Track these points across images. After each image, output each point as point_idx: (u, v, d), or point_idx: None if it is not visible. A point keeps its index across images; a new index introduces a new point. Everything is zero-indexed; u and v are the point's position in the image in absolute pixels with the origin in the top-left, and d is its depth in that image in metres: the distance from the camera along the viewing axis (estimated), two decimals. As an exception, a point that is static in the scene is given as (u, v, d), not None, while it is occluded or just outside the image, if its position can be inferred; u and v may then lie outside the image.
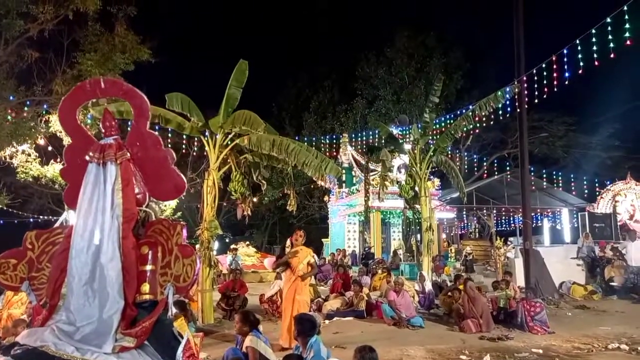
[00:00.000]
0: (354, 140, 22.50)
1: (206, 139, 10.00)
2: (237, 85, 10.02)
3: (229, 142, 9.93)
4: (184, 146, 16.13)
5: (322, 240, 23.73)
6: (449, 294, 9.47)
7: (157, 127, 16.51)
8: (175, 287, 2.75)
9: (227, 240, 28.00)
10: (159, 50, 14.15)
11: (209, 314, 9.09)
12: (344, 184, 21.32)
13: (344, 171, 19.08)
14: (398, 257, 16.85)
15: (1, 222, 15.48)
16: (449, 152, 19.45)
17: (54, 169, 14.22)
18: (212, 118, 10.07)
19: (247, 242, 20.56)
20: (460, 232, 25.70)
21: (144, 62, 13.87)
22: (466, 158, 28.20)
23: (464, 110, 13.99)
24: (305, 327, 4.34)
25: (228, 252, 18.67)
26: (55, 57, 13.42)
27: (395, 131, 17.47)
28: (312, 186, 27.12)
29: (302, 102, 31.50)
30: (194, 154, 20.19)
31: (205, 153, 10.53)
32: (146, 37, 13.75)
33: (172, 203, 23.78)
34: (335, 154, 22.28)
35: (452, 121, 16.01)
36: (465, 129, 12.87)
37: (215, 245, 13.15)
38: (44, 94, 12.87)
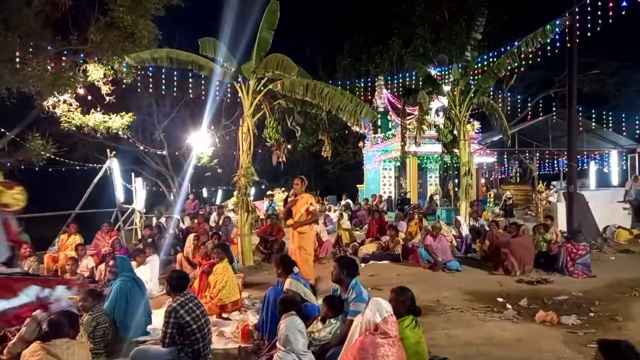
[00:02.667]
0: (389, 82, 21.80)
1: (239, 84, 9.91)
2: (269, 27, 9.72)
3: (262, 88, 9.80)
4: (216, 92, 16.08)
5: (357, 186, 23.76)
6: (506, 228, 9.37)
7: (190, 74, 16.66)
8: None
9: (263, 187, 28.51)
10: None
11: (248, 257, 9.42)
12: (379, 129, 20.95)
13: (379, 115, 18.65)
14: (434, 203, 16.70)
15: (50, 170, 16.27)
16: (491, 93, 18.55)
17: (94, 118, 14.59)
18: (244, 63, 9.91)
19: (283, 189, 20.85)
20: (500, 177, 25.05)
21: (174, 6, 13.61)
22: (509, 99, 26.83)
23: (508, 47, 13.08)
24: (347, 269, 4.37)
25: (264, 198, 19.07)
26: (88, 4, 13.35)
27: (433, 72, 16.70)
28: (346, 132, 26.80)
29: (335, 44, 30.44)
30: (228, 100, 20.17)
31: (239, 99, 10.46)
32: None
33: (209, 151, 24.26)
34: (370, 97, 21.74)
35: (495, 59, 15.09)
36: (509, 67, 12.11)
37: (252, 191, 13.41)
38: (79, 43, 12.93)
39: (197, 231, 9.91)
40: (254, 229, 11.37)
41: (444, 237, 9.24)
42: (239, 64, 9.89)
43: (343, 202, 18.70)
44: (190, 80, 17.09)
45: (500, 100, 25.04)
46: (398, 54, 27.63)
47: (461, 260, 9.26)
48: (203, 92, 18.47)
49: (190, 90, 18.10)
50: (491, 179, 24.27)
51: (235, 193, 12.39)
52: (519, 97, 26.31)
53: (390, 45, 27.85)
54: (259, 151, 24.27)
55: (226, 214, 13.96)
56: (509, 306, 6.28)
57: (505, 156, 22.36)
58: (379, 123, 20.25)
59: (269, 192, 19.70)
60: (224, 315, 5.82)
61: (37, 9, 12.30)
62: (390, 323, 3.26)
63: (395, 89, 21.40)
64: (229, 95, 18.81)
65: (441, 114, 16.62)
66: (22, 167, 14.16)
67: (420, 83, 15.62)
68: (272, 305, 4.70)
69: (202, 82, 17.20)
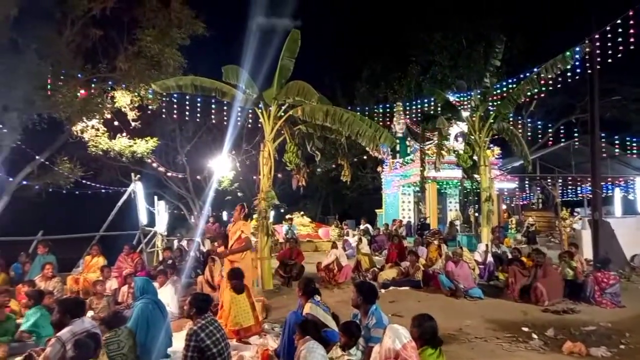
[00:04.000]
0: (408, 108, 21.92)
1: (260, 110, 10.13)
2: (290, 55, 9.99)
3: (283, 114, 10.00)
4: (238, 118, 16.44)
5: (376, 210, 23.66)
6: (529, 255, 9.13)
7: (212, 101, 17.10)
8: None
9: (282, 210, 28.60)
10: (212, 24, 14.34)
11: (268, 280, 9.41)
12: (398, 154, 20.97)
13: (398, 141, 18.71)
14: (455, 228, 16.49)
15: (77, 192, 16.70)
16: (511, 119, 18.47)
17: (120, 143, 15.01)
18: (265, 90, 10.15)
19: (302, 213, 20.91)
20: (522, 203, 24.63)
21: (199, 36, 14.12)
22: (529, 125, 26.63)
23: (527, 74, 13.09)
24: (367, 294, 4.35)
25: (283, 221, 19.12)
26: (117, 34, 13.94)
27: (452, 98, 16.79)
28: (365, 157, 26.88)
29: (353, 70, 30.89)
30: (249, 126, 20.54)
31: (259, 125, 10.67)
32: (200, 11, 13.95)
33: (230, 175, 24.58)
34: (388, 123, 21.86)
35: (514, 86, 15.09)
36: (529, 93, 12.11)
37: (271, 214, 13.50)
38: (108, 71, 13.47)
39: (217, 253, 9.98)
40: (273, 252, 11.39)
41: (466, 263, 9.09)
42: (260, 91, 10.14)
43: (362, 227, 18.62)
44: (213, 106, 17.53)
45: (520, 126, 24.85)
46: (416, 81, 27.87)
47: (484, 288, 9.07)
48: (225, 118, 18.88)
49: (212, 116, 18.52)
50: (512, 205, 23.90)
51: (254, 216, 12.48)
52: (539, 123, 26.09)
53: (408, 72, 28.13)
54: (279, 175, 24.48)
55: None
56: (534, 336, 6.11)
57: (526, 182, 22.06)
58: (398, 148, 20.28)
59: (288, 216, 19.77)
60: (243, 340, 5.81)
61: (69, 39, 12.90)
62: (409, 349, 3.23)
63: (413, 115, 21.50)
64: (250, 120, 19.17)
65: (460, 139, 16.58)
66: (50, 189, 14.57)
67: (439, 109, 15.69)
68: (292, 329, 4.68)
69: (225, 108, 17.60)
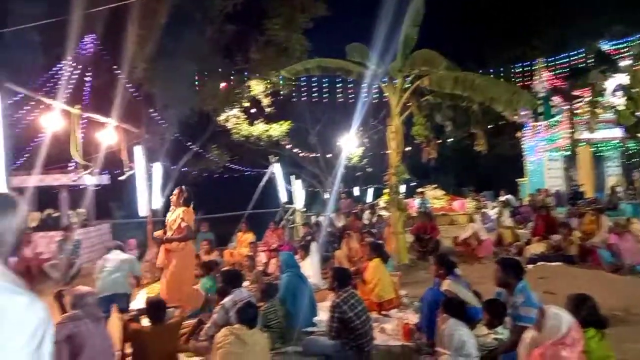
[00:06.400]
0: (551, 64, 19.54)
1: (385, 84, 9.99)
2: (413, 24, 9.59)
3: (409, 85, 9.72)
4: (364, 94, 16.49)
5: (517, 180, 21.84)
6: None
7: (337, 79, 17.42)
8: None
9: (413, 184, 28.14)
10: (331, 3, 14.51)
11: (403, 255, 9.42)
12: (540, 117, 18.91)
13: (540, 102, 16.87)
14: (616, 196, 14.42)
15: (225, 175, 18.65)
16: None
17: (258, 128, 16.28)
18: (390, 63, 9.96)
19: (435, 185, 20.29)
20: None
21: (321, 16, 14.43)
22: None
23: None
24: (512, 271, 4.09)
25: (415, 195, 18.82)
26: (248, 27, 14.97)
27: (606, 47, 14.45)
28: (502, 121, 24.83)
29: (483, 28, 28.33)
30: (375, 101, 20.47)
31: (385, 99, 10.57)
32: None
33: (359, 151, 24.94)
34: (528, 83, 19.80)
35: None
36: None
37: (402, 188, 13.39)
38: (243, 62, 14.62)
39: (351, 228, 10.32)
40: (406, 226, 11.33)
41: (632, 235, 7.93)
42: (384, 64, 9.98)
43: (502, 198, 17.39)
44: (339, 85, 17.86)
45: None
46: (560, 32, 24.51)
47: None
48: (351, 95, 19.12)
49: (339, 95, 18.89)
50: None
51: (386, 191, 12.54)
52: None
53: (548, 22, 24.86)
54: (408, 148, 24.05)
55: (378, 212, 14.20)
56: None
57: None
58: (540, 110, 18.28)
59: (419, 189, 19.38)
60: (383, 312, 5.95)
61: (209, 38, 14.27)
62: (574, 334, 2.95)
63: (558, 71, 19.11)
64: (375, 95, 19.09)
65: (619, 93, 14.28)
66: (205, 174, 16.51)
67: (592, 61, 13.68)
68: (431, 306, 4.64)
69: (350, 85, 17.80)
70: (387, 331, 5.20)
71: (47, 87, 8.33)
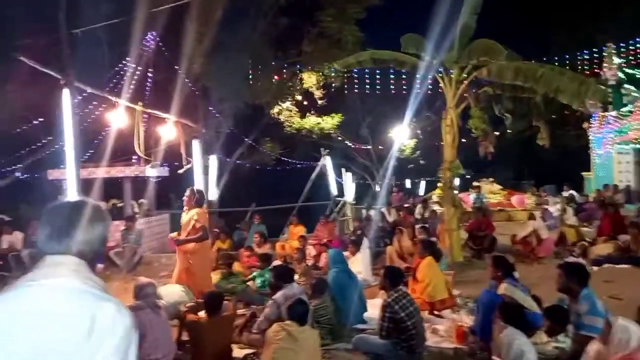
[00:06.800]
0: (623, 50, 18.12)
1: (440, 75, 9.68)
2: (472, 12, 9.18)
3: (466, 76, 9.35)
4: (417, 86, 16.11)
5: (582, 174, 20.58)
6: None
7: (390, 71, 17.10)
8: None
9: (468, 177, 27.22)
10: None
11: (457, 253, 9.16)
12: (610, 106, 17.62)
13: (610, 91, 15.71)
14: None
15: (278, 168, 18.95)
16: None
17: (310, 121, 16.38)
18: (445, 53, 9.62)
19: (491, 179, 19.54)
20: None
21: (373, 6, 14.20)
22: None
23: None
24: (574, 277, 3.85)
25: (470, 189, 18.21)
26: (301, 20, 15.00)
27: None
28: (566, 111, 23.42)
29: (547, 12, 26.69)
30: (429, 92, 19.94)
31: (439, 89, 10.25)
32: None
33: (411, 143, 24.47)
34: (596, 70, 18.49)
35: None
36: None
37: (456, 182, 12.99)
38: (295, 55, 14.70)
39: (403, 224, 10.15)
40: (461, 222, 10.99)
41: None
42: (439, 55, 9.66)
43: (565, 194, 16.46)
44: (392, 76, 17.55)
45: None
46: (634, 12, 22.61)
47: None
48: (404, 87, 18.73)
49: (391, 86, 18.57)
50: None
51: (439, 185, 12.23)
52: None
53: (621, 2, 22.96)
54: (463, 140, 23.28)
55: (431, 207, 13.89)
56: None
57: None
58: (610, 99, 17.03)
59: (475, 183, 18.74)
60: (435, 312, 5.82)
61: (262, 31, 14.45)
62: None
63: (631, 57, 17.70)
64: (429, 86, 18.60)
65: None
66: (258, 167, 16.85)
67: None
68: (486, 309, 4.48)
69: (403, 77, 17.43)
70: (440, 332, 5.09)
71: (112, 83, 8.79)
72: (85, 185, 7.36)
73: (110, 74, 8.80)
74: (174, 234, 6.36)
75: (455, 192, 9.83)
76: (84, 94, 7.43)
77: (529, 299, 4.60)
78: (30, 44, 9.73)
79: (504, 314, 3.77)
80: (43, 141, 9.57)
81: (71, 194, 5.96)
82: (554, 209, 13.72)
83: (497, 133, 14.07)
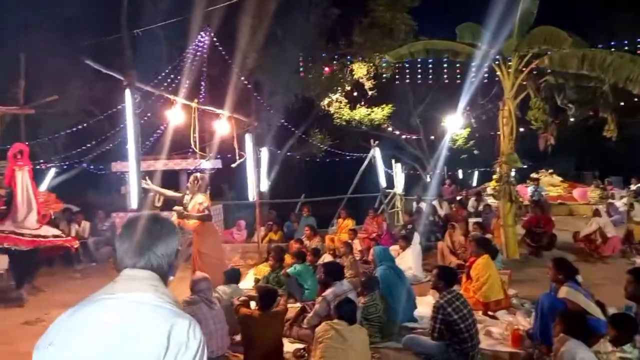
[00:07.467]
0: None
1: (498, 64, 9.26)
2: (533, -4, 8.67)
3: (525, 65, 8.88)
4: (473, 76, 15.52)
5: (655, 166, 19.08)
6: None
7: (443, 59, 16.53)
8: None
9: (525, 167, 25.97)
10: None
11: (513, 250, 8.82)
12: (688, 93, 16.15)
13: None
14: None
15: (327, 159, 18.99)
16: None
17: (360, 112, 16.25)
18: (504, 41, 9.17)
19: (551, 170, 18.55)
20: None
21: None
22: None
23: None
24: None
25: (528, 181, 17.39)
26: (352, 10, 14.83)
27: None
28: (635, 99, 21.71)
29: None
30: (485, 81, 19.16)
31: (496, 78, 9.82)
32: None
33: (464, 132, 23.69)
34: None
35: None
36: None
37: (512, 173, 12.39)
38: (346, 46, 14.59)
39: (456, 218, 9.89)
40: (518, 217, 10.54)
41: None
42: (497, 44, 9.22)
43: (633, 187, 15.38)
44: (445, 65, 17.02)
45: None
46: None
47: None
48: (458, 76, 18.11)
49: (445, 75, 18.02)
50: None
51: (494, 177, 11.78)
52: None
53: None
54: (521, 129, 22.22)
55: (485, 200, 13.44)
56: None
57: None
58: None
59: (533, 175, 17.87)
60: (489, 313, 5.65)
61: (313, 23, 14.43)
62: None
63: None
64: (485, 75, 17.86)
65: None
66: (307, 159, 16.97)
67: None
68: (547, 314, 4.29)
69: (457, 65, 16.85)
70: (494, 335, 4.93)
71: (169, 79, 9.12)
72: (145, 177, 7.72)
73: (168, 69, 9.12)
74: (179, 207, 6.53)
75: (513, 186, 9.39)
76: (145, 91, 7.76)
77: (593, 305, 4.36)
78: (94, 44, 10.29)
79: (566, 323, 3.56)
80: (107, 134, 10.10)
81: (133, 185, 6.28)
82: (620, 203, 12.89)
83: (557, 122, 13.30)
